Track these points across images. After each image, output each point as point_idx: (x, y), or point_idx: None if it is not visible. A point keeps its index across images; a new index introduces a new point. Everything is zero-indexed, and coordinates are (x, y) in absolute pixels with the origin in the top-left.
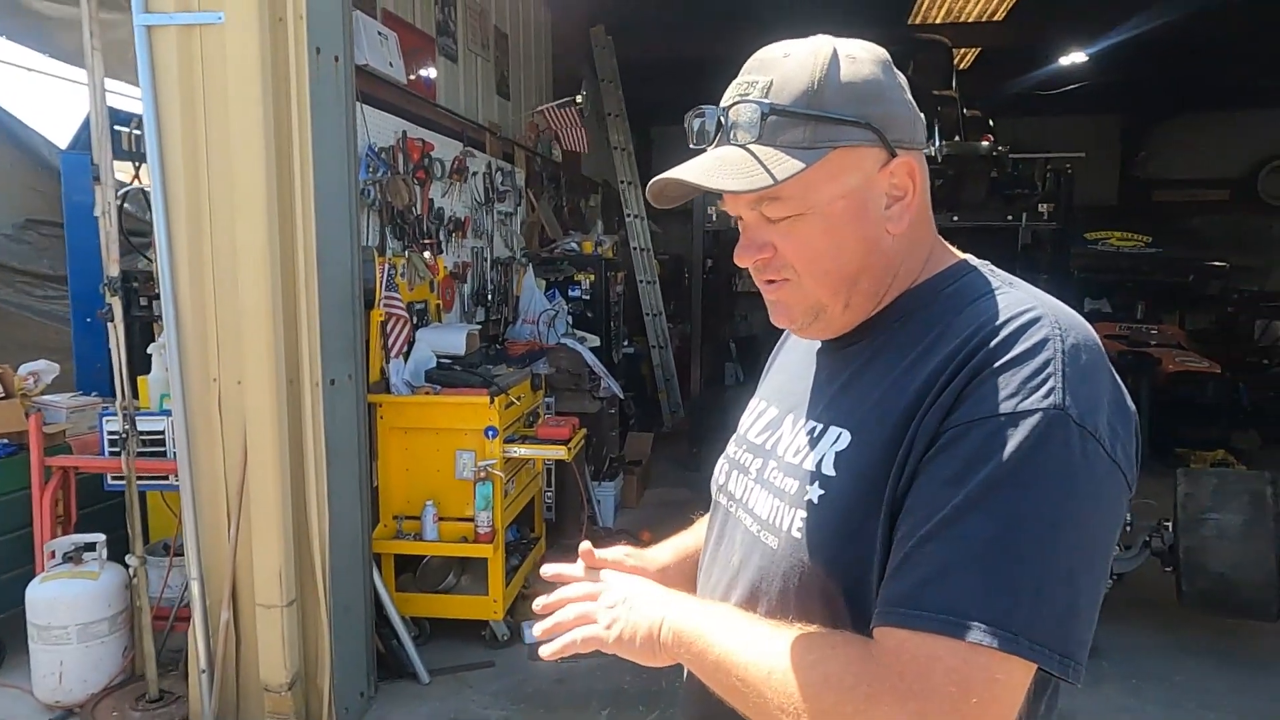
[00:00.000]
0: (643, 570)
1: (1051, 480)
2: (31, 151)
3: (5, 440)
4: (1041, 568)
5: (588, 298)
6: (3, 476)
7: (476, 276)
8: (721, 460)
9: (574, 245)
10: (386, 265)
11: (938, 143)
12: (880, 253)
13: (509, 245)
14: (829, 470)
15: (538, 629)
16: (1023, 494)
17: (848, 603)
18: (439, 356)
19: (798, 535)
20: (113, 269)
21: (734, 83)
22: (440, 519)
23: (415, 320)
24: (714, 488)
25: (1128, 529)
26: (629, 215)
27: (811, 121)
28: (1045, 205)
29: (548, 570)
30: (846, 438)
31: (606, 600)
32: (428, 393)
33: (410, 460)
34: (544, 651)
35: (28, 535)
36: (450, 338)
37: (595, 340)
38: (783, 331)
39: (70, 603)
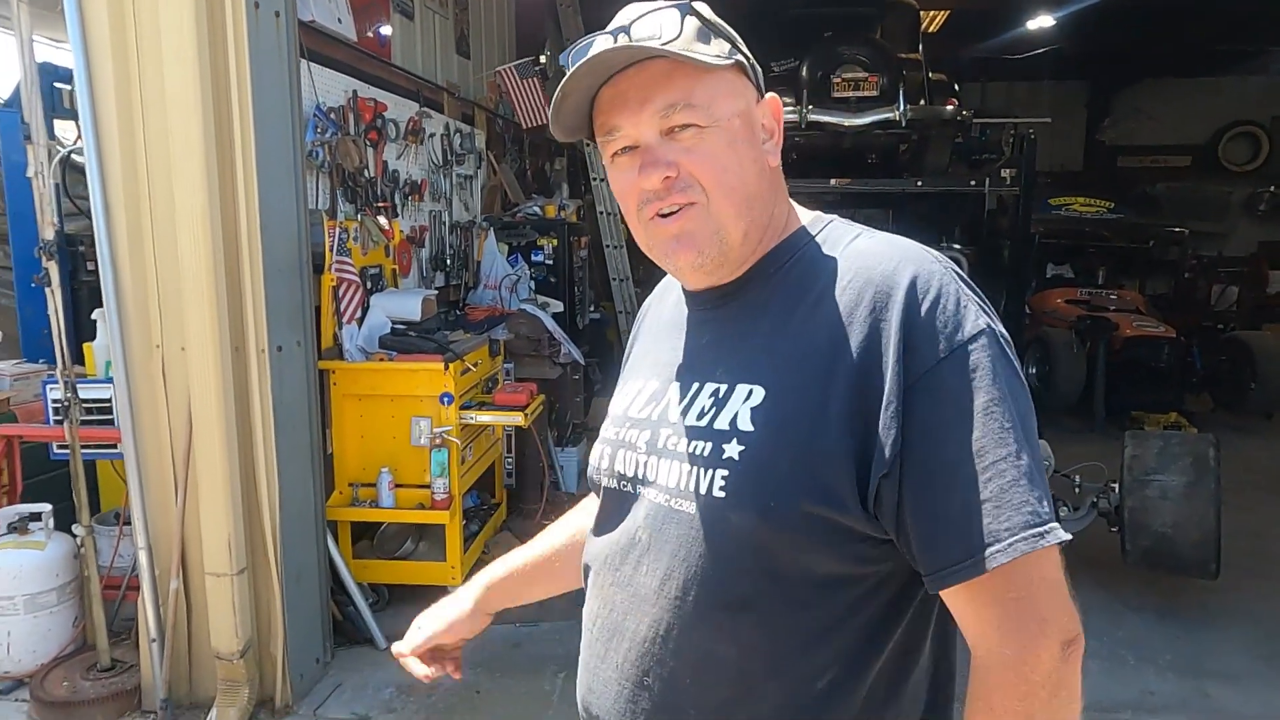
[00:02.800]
0: (452, 626)
1: (1010, 386)
2: None
3: None
4: (1034, 462)
5: (550, 263)
6: None
7: (435, 241)
8: (599, 447)
9: (537, 209)
10: (337, 229)
11: (902, 106)
12: (766, 181)
13: (469, 209)
14: (746, 426)
15: None
16: (1000, 411)
17: (783, 551)
18: (394, 322)
19: (720, 495)
20: (48, 232)
21: (612, 27)
22: (397, 485)
23: (369, 285)
24: (595, 475)
25: (1076, 490)
26: (595, 179)
27: (716, 36)
28: (1009, 170)
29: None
30: (760, 393)
31: None
32: (382, 359)
33: (365, 427)
34: None
35: None
36: (405, 303)
37: (558, 306)
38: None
39: (16, 573)
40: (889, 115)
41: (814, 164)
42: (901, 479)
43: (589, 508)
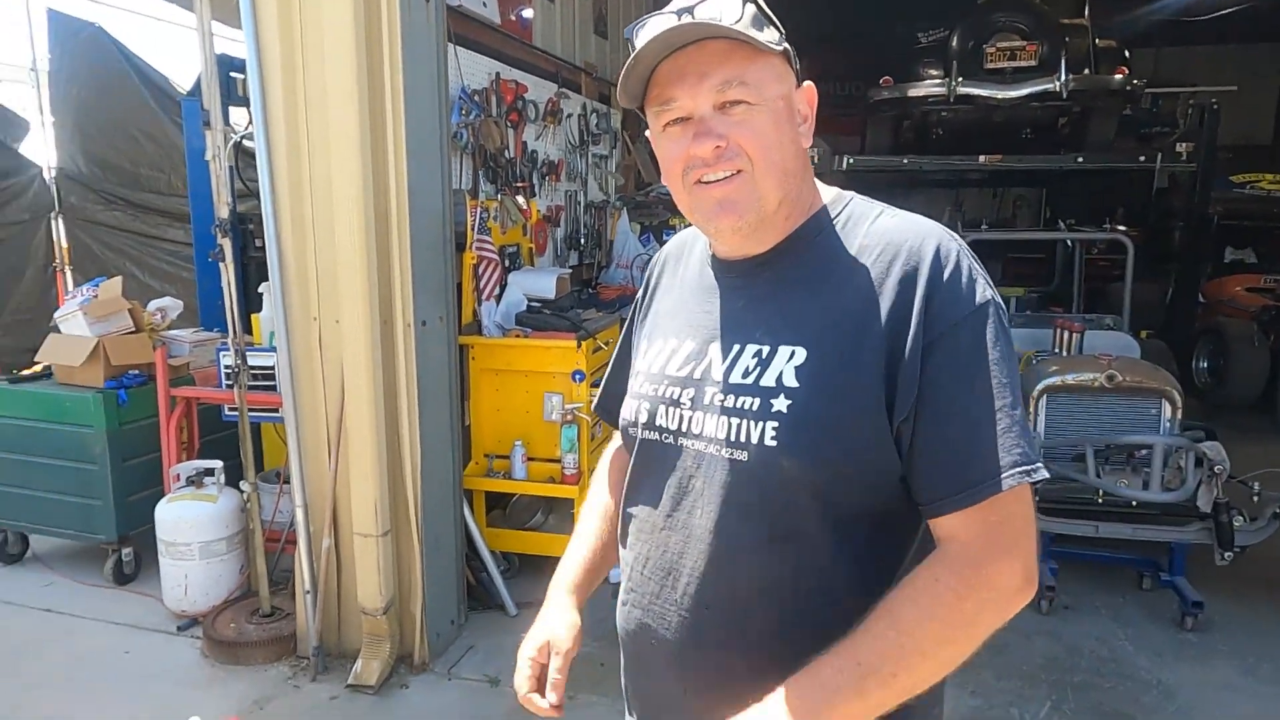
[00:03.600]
0: (576, 637)
1: (1006, 349)
2: (160, 97)
3: (136, 371)
4: (1023, 414)
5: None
6: (135, 405)
7: (570, 220)
8: (634, 401)
9: (664, 189)
10: (479, 208)
11: (1063, 76)
12: (800, 161)
13: (603, 189)
14: (791, 383)
15: None
16: (1000, 369)
17: (828, 490)
18: (530, 300)
19: (772, 443)
20: (223, 210)
21: (674, 7)
22: (529, 459)
23: (507, 263)
24: (632, 430)
25: (1255, 498)
26: None
27: (769, 25)
28: (1185, 145)
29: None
30: (802, 353)
31: None
32: (517, 335)
33: (501, 401)
34: None
35: (157, 459)
36: (541, 281)
37: None
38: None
39: (193, 522)
40: (1048, 86)
41: (960, 140)
42: (915, 421)
43: (607, 477)
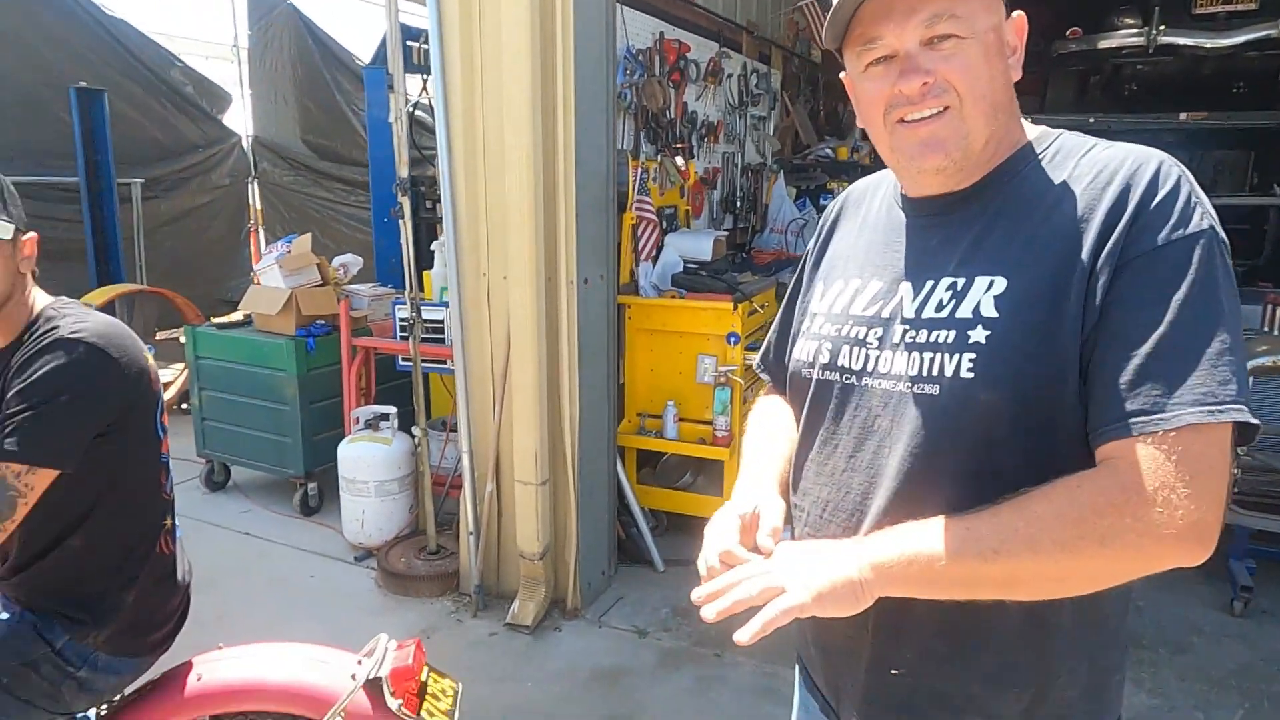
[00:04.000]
0: (776, 507)
1: (1223, 283)
2: (340, 68)
3: (323, 321)
4: (1236, 352)
5: None
6: (321, 352)
7: (726, 183)
8: (810, 343)
9: (828, 151)
10: (639, 169)
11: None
12: (1008, 94)
13: (760, 151)
14: (989, 313)
15: (711, 611)
16: (1210, 298)
17: (1026, 424)
18: (685, 261)
19: (968, 375)
20: (403, 170)
21: None
22: (680, 419)
23: (664, 225)
24: (807, 371)
25: None
26: None
27: None
28: None
29: (712, 556)
30: (1002, 282)
31: (781, 568)
32: (673, 296)
33: (655, 361)
34: (741, 637)
35: (338, 403)
36: (698, 243)
37: None
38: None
39: (370, 462)
40: (1269, 33)
41: (1156, 96)
42: (1095, 343)
43: (775, 417)
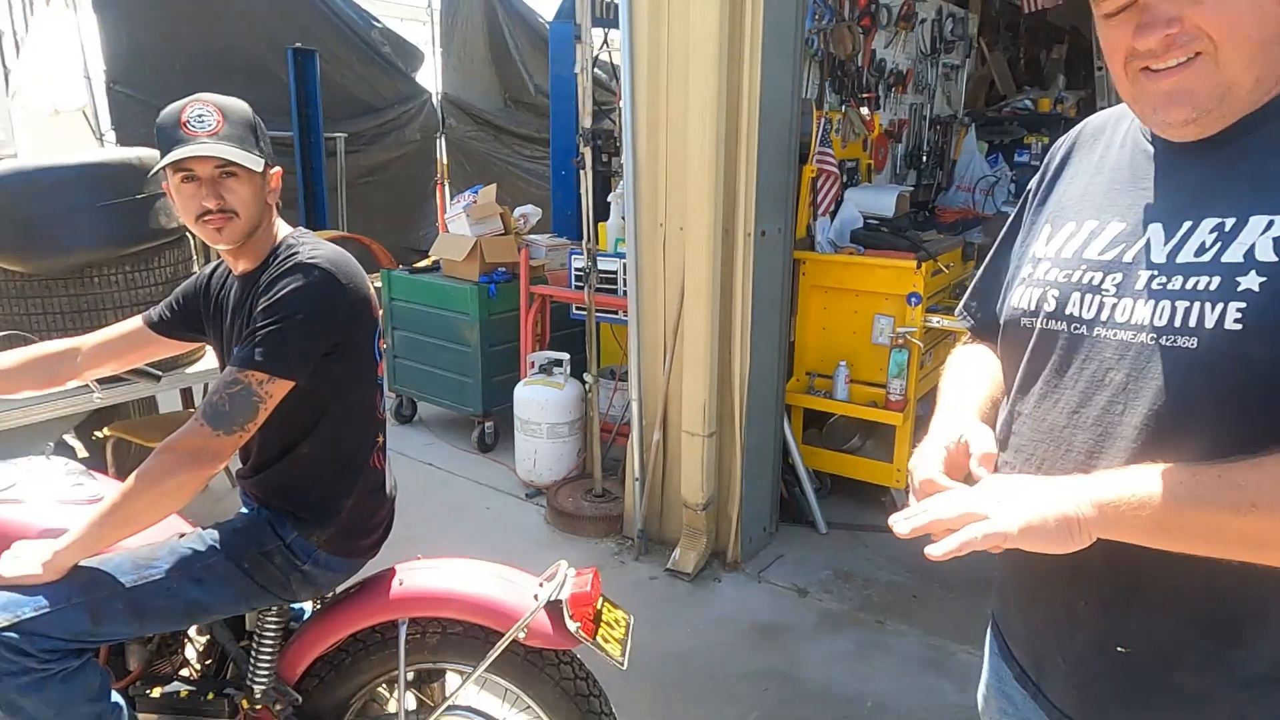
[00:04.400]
0: (986, 435)
1: None
2: (524, 25)
3: (503, 269)
4: None
5: (1037, 164)
6: (500, 298)
7: (912, 136)
8: (1030, 290)
9: (1027, 103)
10: (823, 120)
11: None
12: None
13: (951, 102)
14: (1267, 256)
15: (906, 526)
16: None
17: None
18: (866, 217)
19: (1235, 326)
20: (586, 120)
21: None
22: (851, 381)
23: (845, 178)
24: (1029, 317)
25: None
26: (1100, 69)
27: None
28: None
29: (918, 481)
30: None
31: (991, 494)
32: (851, 253)
33: (827, 319)
34: (933, 550)
35: (514, 348)
36: (880, 198)
37: None
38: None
39: (543, 404)
40: None
41: None
42: None
43: (979, 358)
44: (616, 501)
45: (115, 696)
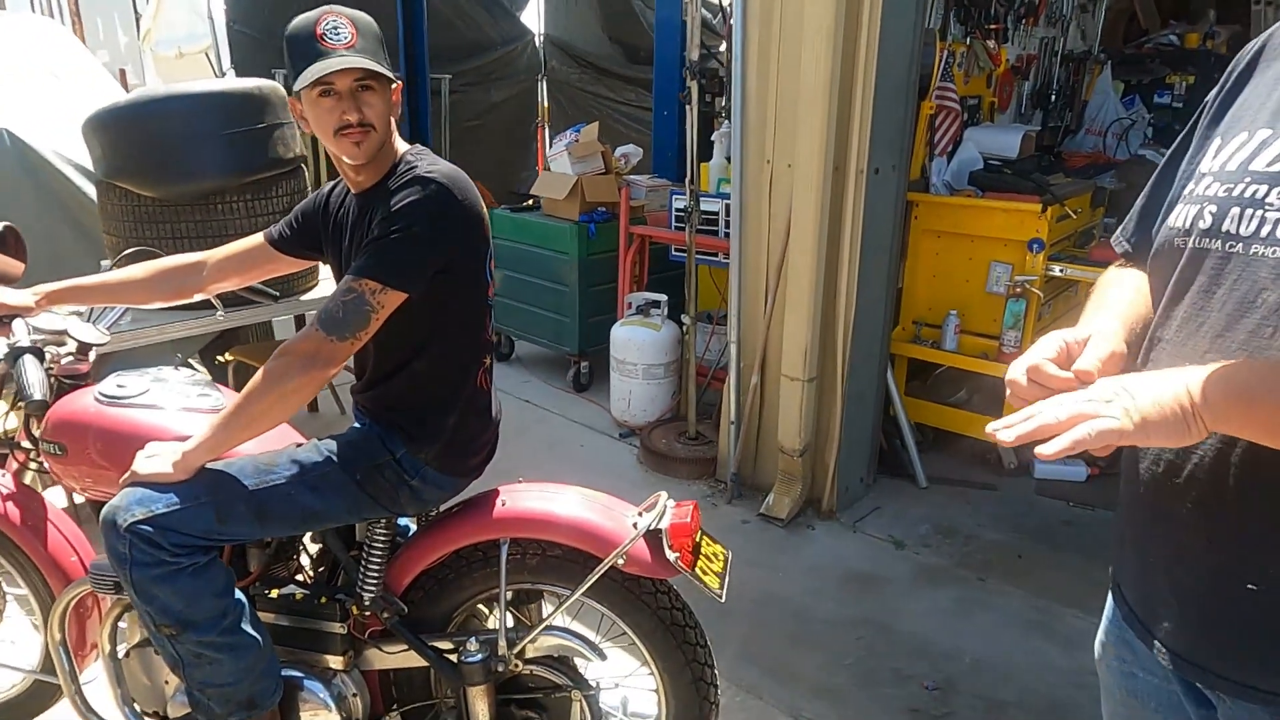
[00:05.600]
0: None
1: None
2: None
3: (604, 209)
4: None
5: (1178, 106)
6: (600, 238)
7: (1040, 73)
8: (1191, 206)
9: (1173, 38)
10: (945, 52)
11: None
12: None
13: (1086, 37)
14: None
15: (1009, 433)
16: None
17: None
18: (987, 158)
19: None
20: (694, 53)
21: None
22: (961, 331)
23: (966, 116)
24: (1182, 236)
25: None
26: (1257, 2)
27: None
28: None
29: (1018, 369)
30: None
31: (1101, 393)
32: (970, 195)
33: (939, 265)
34: (1045, 449)
35: (612, 288)
36: (1003, 138)
37: None
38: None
39: (640, 345)
40: None
41: None
42: None
43: (1130, 279)
44: (710, 445)
45: (238, 594)
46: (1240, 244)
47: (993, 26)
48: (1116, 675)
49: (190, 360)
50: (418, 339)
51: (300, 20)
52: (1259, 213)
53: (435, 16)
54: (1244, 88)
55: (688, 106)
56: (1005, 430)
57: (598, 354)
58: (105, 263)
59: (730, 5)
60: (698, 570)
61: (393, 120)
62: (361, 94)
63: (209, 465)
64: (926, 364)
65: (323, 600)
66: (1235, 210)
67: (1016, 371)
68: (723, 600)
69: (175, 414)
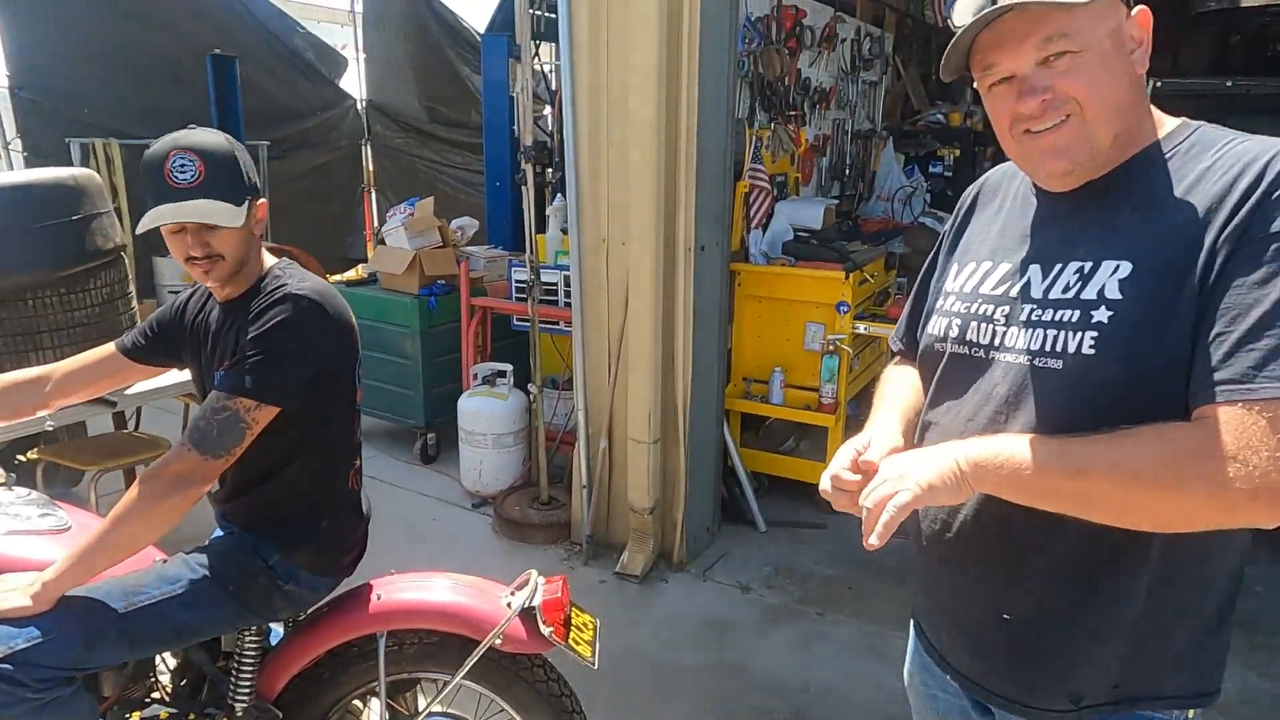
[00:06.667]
0: (890, 437)
1: None
2: (452, 33)
3: (443, 281)
4: None
5: (949, 175)
6: (441, 310)
7: (835, 150)
8: (943, 318)
9: (939, 117)
10: (754, 138)
11: None
12: (1135, 89)
13: (870, 117)
14: (1114, 295)
15: (874, 539)
16: None
17: (1140, 403)
18: (795, 230)
19: (1090, 352)
20: (527, 139)
21: None
22: (786, 385)
23: (775, 193)
24: (940, 342)
25: None
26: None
27: None
28: None
29: (825, 481)
30: (1127, 267)
31: (891, 474)
32: (784, 264)
33: (762, 327)
34: (872, 540)
35: (456, 359)
36: (808, 211)
37: None
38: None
39: (489, 416)
40: None
41: None
42: (1203, 315)
43: (904, 376)
44: (563, 509)
45: None
46: (982, 350)
47: (792, 112)
48: (923, 697)
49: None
50: (287, 447)
51: (151, 152)
52: (991, 326)
53: (250, 82)
54: (969, 224)
55: (524, 188)
56: (874, 538)
57: (443, 424)
58: None
59: (556, 83)
60: (570, 642)
61: (257, 235)
62: (209, 229)
63: (71, 592)
64: (757, 417)
65: (191, 717)
66: (974, 324)
67: (825, 483)
68: (595, 668)
69: (17, 539)
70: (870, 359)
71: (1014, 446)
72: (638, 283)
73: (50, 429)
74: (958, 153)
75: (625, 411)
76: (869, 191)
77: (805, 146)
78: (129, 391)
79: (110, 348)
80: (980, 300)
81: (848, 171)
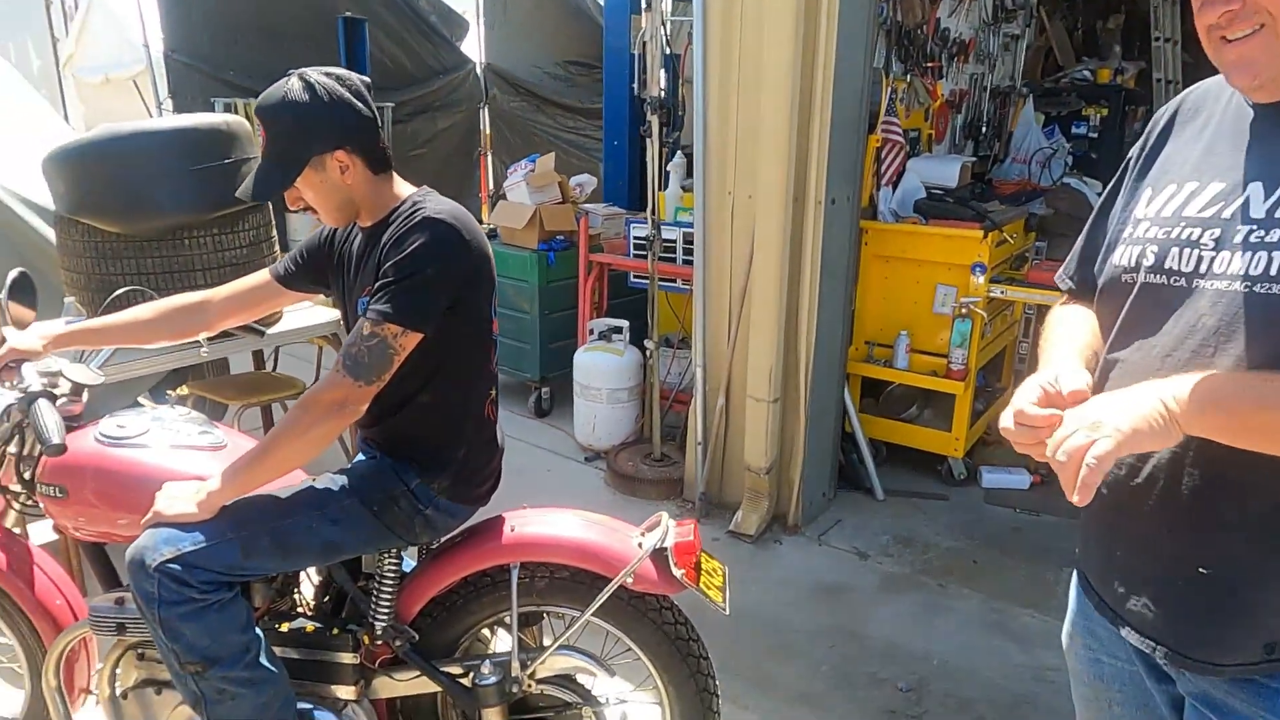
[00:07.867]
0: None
1: None
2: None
3: (562, 236)
4: None
5: (1094, 136)
6: (559, 266)
7: (971, 107)
8: (1134, 246)
9: (1086, 74)
10: (889, 88)
11: None
12: None
13: (1010, 74)
14: None
15: (1078, 496)
16: None
17: None
18: (928, 187)
19: None
20: (654, 90)
21: None
22: (911, 350)
23: (908, 149)
24: (1130, 273)
25: None
26: (1156, 39)
27: None
28: None
29: (1006, 418)
30: None
31: (1082, 422)
32: (915, 223)
33: (888, 289)
34: (1078, 498)
35: (572, 314)
36: (943, 169)
37: (1097, 186)
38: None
39: (604, 370)
40: None
41: None
42: None
43: (1077, 314)
44: (675, 465)
45: (257, 629)
46: (1183, 279)
47: (929, 64)
48: (1084, 662)
49: (139, 398)
50: (425, 373)
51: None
52: (1195, 252)
53: (377, 45)
54: (1164, 146)
55: (649, 140)
56: (1076, 495)
57: (558, 379)
58: (68, 300)
59: (679, 39)
60: (702, 586)
61: (342, 186)
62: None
63: (231, 503)
64: (879, 382)
65: (335, 631)
66: (1175, 250)
67: (1006, 420)
68: (727, 613)
69: (180, 453)
70: (1002, 327)
71: (1237, 382)
72: (765, 237)
73: (205, 356)
74: (1105, 112)
75: (745, 369)
76: (1005, 153)
77: (940, 101)
78: (270, 331)
79: (265, 274)
80: (1184, 224)
81: (984, 130)
